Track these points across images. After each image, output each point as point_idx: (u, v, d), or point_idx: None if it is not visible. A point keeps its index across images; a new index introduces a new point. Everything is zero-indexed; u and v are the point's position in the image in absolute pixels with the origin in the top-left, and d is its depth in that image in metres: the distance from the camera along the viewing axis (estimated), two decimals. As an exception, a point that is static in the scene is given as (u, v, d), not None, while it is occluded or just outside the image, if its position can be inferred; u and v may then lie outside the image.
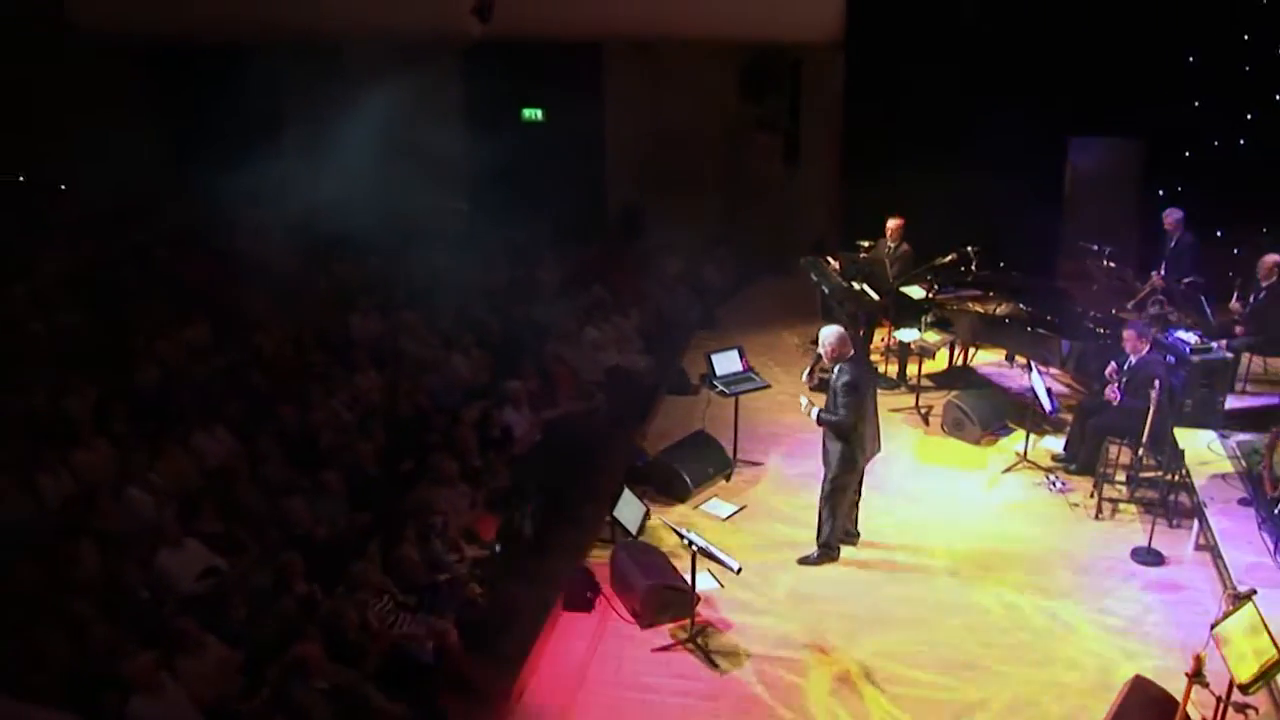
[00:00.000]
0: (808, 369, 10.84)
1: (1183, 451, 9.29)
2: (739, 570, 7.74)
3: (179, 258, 14.16)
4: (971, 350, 12.74)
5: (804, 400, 8.81)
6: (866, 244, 12.93)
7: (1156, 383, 9.03)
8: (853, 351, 8.67)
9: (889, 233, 12.59)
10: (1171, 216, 12.13)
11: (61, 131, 16.43)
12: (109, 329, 11.69)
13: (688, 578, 8.09)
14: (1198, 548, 8.99)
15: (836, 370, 8.55)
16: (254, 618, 7.35)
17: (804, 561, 9.01)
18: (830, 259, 12.96)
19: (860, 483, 9.05)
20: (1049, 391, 10.27)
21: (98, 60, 16.13)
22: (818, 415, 8.61)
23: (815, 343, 12.96)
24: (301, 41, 15.03)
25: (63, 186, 17.43)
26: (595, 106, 16.37)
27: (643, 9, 14.75)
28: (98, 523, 8.01)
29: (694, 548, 7.82)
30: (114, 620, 7.01)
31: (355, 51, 14.26)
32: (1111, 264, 12.47)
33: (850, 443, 8.60)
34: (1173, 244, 12.08)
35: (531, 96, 16.67)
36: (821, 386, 9.60)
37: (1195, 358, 10.44)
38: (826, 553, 9.02)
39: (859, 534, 9.26)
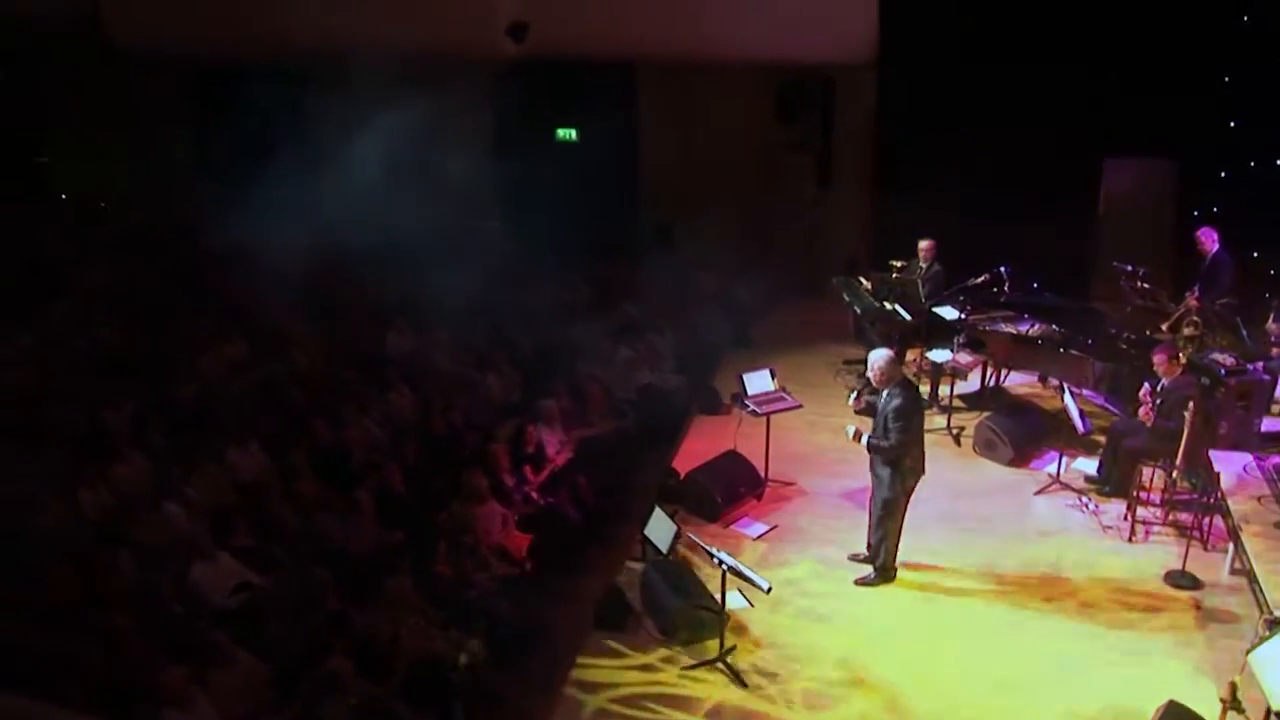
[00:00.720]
0: (854, 393, 10.69)
1: (1218, 474, 9.20)
2: (769, 589, 7.71)
3: (215, 272, 14.29)
4: (1004, 371, 12.69)
5: (850, 428, 8.74)
6: (899, 264, 12.89)
7: (1190, 404, 8.97)
8: (902, 375, 8.64)
9: (921, 254, 12.57)
10: (1206, 237, 12.05)
11: (96, 146, 16.74)
12: (148, 343, 11.81)
13: (718, 597, 8.08)
14: (1233, 572, 8.89)
15: (886, 394, 8.50)
16: (285, 632, 7.41)
17: (861, 582, 8.96)
18: (863, 279, 12.97)
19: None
20: (1081, 413, 10.21)
21: (131, 75, 16.38)
22: (868, 442, 8.56)
23: (849, 363, 13.06)
24: (332, 60, 15.15)
25: (102, 204, 17.69)
26: (629, 127, 16.45)
27: (676, 30, 14.81)
28: (135, 536, 8.10)
29: (724, 566, 7.81)
30: (148, 633, 7.09)
31: (388, 70, 14.36)
32: (1146, 285, 12.40)
33: (901, 465, 8.55)
34: (1207, 265, 12.00)
35: (565, 117, 16.76)
36: (868, 410, 9.52)
37: (1231, 379, 10.36)
38: (884, 575, 8.97)
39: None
